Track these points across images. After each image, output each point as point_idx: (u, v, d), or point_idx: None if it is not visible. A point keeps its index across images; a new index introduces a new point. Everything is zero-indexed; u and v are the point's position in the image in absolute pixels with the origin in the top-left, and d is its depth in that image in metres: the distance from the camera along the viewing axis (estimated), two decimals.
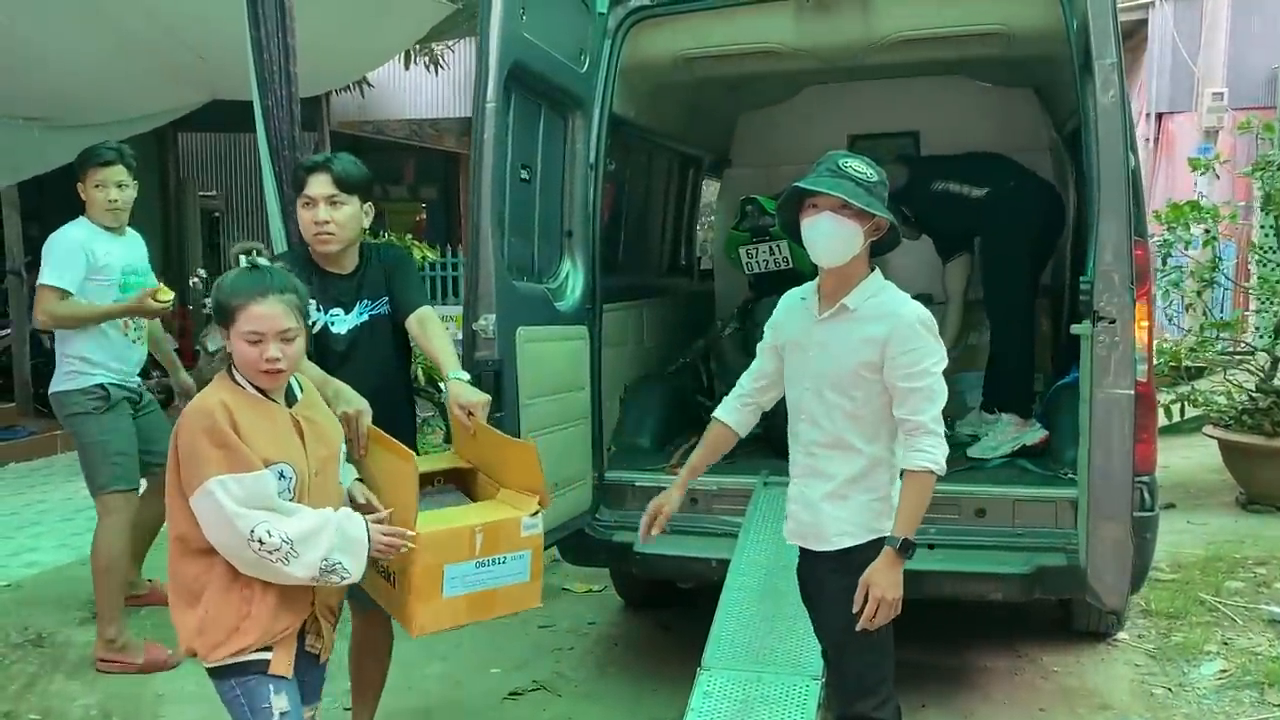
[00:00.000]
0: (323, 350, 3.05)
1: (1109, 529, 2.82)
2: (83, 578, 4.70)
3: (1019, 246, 4.67)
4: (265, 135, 6.52)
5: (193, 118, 9.75)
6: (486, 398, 2.94)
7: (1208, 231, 6.33)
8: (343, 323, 3.12)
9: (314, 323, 2.98)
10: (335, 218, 3.01)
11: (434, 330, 3.11)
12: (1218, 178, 10.11)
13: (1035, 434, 4.47)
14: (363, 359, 3.09)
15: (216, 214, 14.29)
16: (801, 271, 4.86)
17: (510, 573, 2.70)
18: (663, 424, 4.82)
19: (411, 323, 3.14)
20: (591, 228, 4.08)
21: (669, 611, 4.92)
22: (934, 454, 2.50)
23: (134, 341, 4.44)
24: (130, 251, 4.48)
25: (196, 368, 8.96)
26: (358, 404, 2.79)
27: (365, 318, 3.13)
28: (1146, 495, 3.42)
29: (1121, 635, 4.47)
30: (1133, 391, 2.82)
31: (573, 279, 4.00)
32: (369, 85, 11.64)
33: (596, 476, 4.12)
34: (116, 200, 4.33)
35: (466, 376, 2.97)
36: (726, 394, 5.43)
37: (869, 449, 2.63)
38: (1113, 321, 2.82)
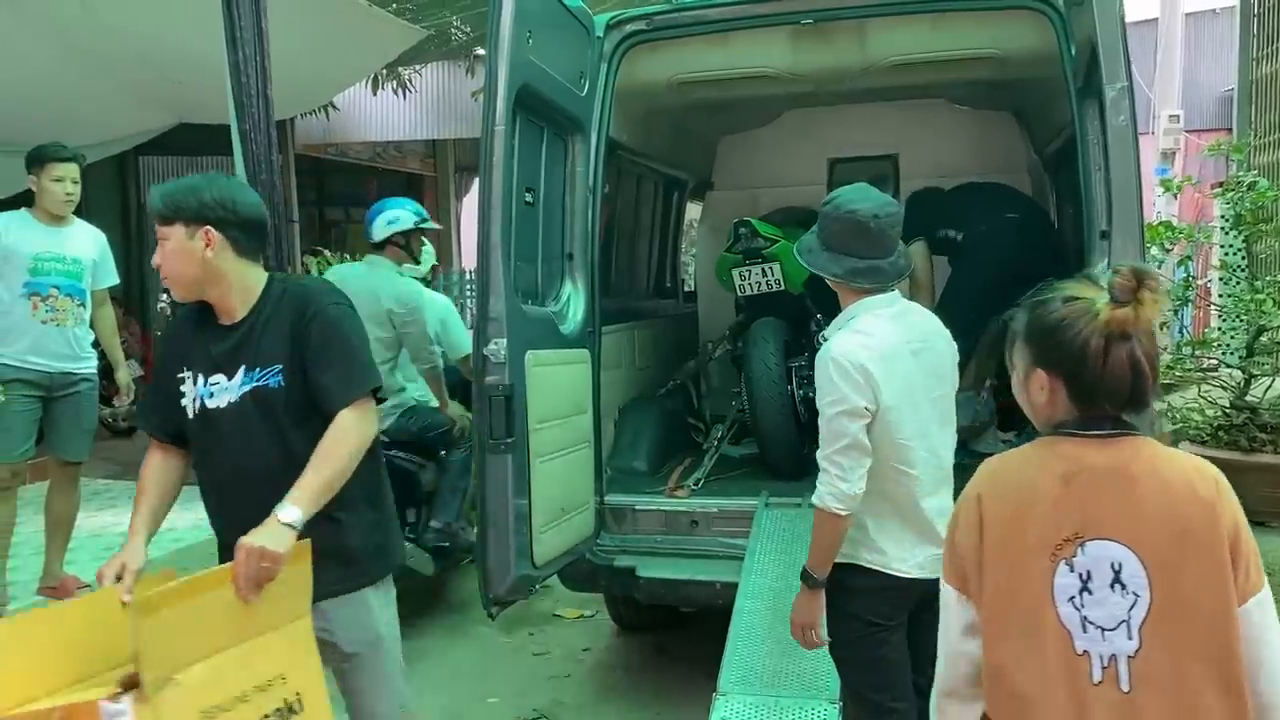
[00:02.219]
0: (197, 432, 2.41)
1: None
2: None
3: (974, 291, 4.73)
4: (243, 160, 6.45)
5: (155, 141, 9.61)
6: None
7: (1168, 249, 6.45)
8: (222, 392, 2.36)
9: (182, 396, 2.38)
10: (161, 259, 2.37)
11: (330, 450, 2.27)
12: (1175, 198, 10.37)
13: None
14: (238, 449, 2.35)
15: None
16: (793, 293, 4.90)
17: None
18: (657, 446, 4.81)
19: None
20: (590, 250, 4.06)
21: (664, 634, 4.88)
22: (820, 490, 2.55)
23: (44, 322, 4.50)
24: (57, 240, 4.57)
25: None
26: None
27: (247, 389, 2.35)
28: None
29: None
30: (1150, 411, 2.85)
31: (574, 302, 3.98)
32: (334, 108, 11.57)
33: (598, 500, 4.09)
34: (72, 194, 4.56)
35: (297, 522, 2.16)
36: (714, 415, 5.53)
37: None
38: None
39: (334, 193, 16.17)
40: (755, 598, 3.56)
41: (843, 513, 2.52)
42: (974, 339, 4.74)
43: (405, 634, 4.92)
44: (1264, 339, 6.26)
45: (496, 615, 3.35)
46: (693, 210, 7.04)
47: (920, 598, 2.63)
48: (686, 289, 6.88)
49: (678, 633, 4.86)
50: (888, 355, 2.54)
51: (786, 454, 4.55)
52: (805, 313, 5.01)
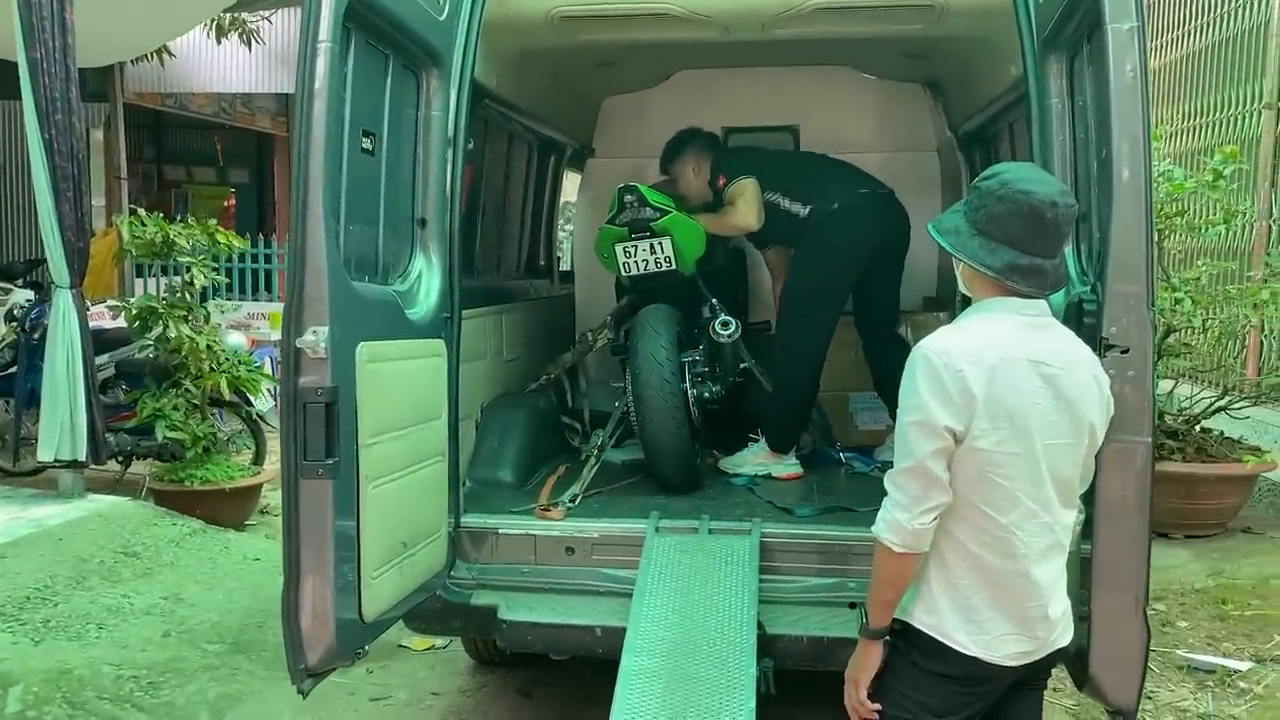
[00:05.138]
0: None
1: (1121, 610, 2.27)
2: None
3: (818, 274, 4.28)
4: (32, 94, 5.39)
5: None
6: None
7: None
8: None
9: None
10: None
11: None
12: None
13: (786, 468, 4.26)
14: None
15: None
16: (685, 274, 4.24)
17: None
18: (525, 452, 4.09)
19: None
20: (450, 217, 3.28)
21: (528, 672, 4.19)
22: (878, 515, 2.09)
23: None
24: None
25: None
26: None
27: None
28: None
29: None
30: (1150, 439, 2.30)
31: (427, 280, 3.19)
32: (170, 55, 10.36)
33: (452, 524, 3.33)
34: None
35: None
36: (594, 413, 4.83)
37: None
38: (1126, 351, 2.29)
39: (174, 150, 14.80)
40: (645, 654, 2.87)
41: (898, 549, 2.04)
42: (823, 325, 4.27)
43: (214, 675, 4.15)
44: (1171, 340, 5.95)
45: (309, 691, 2.56)
46: (570, 181, 6.30)
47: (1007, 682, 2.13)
48: (562, 268, 6.14)
49: (546, 671, 4.16)
50: (1000, 365, 2.00)
51: (678, 465, 3.89)
52: (698, 297, 4.35)
